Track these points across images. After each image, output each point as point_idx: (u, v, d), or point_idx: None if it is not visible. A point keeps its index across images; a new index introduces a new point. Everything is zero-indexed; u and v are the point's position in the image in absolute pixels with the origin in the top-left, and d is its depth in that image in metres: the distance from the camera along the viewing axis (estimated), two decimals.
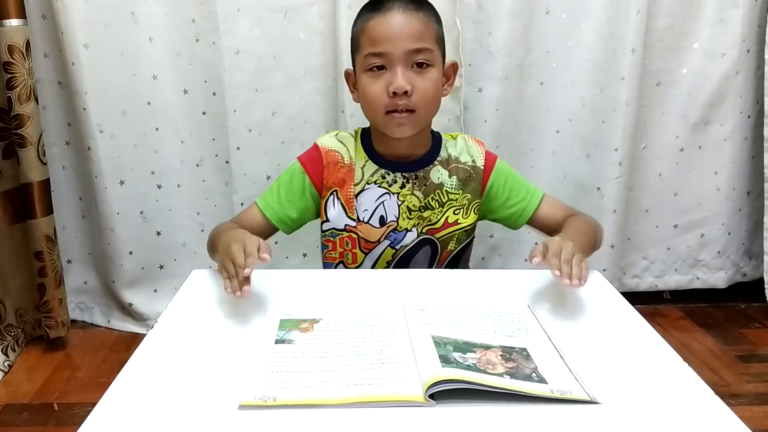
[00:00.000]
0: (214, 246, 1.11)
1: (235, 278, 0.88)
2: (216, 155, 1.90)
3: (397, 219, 1.16)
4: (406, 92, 1.05)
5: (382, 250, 1.18)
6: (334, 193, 1.17)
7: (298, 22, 1.79)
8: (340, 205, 1.17)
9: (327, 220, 1.18)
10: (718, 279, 2.15)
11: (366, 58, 1.08)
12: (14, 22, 1.62)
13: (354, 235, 1.17)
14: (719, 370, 1.77)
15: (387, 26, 1.06)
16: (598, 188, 1.93)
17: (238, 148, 1.87)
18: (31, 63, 1.68)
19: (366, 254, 1.19)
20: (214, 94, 1.83)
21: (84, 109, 1.77)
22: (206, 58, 1.80)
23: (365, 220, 1.16)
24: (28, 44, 1.66)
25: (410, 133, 1.11)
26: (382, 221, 1.16)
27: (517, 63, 1.84)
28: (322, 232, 1.21)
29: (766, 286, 2.05)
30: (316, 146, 1.20)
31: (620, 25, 1.80)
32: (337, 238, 1.19)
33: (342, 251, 1.19)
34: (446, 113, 1.81)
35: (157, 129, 1.85)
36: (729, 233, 2.10)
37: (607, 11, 1.80)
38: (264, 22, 1.78)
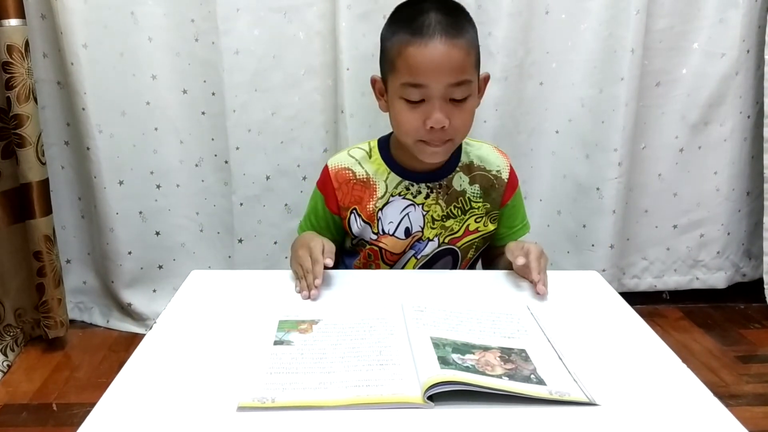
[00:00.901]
0: None
1: (303, 280, 0.97)
2: (215, 155, 1.90)
3: (422, 229, 1.15)
4: (443, 127, 1.02)
5: (406, 261, 1.18)
6: (354, 210, 1.16)
7: (298, 22, 1.78)
8: (362, 221, 1.16)
9: (354, 237, 1.18)
10: (718, 279, 2.15)
11: (403, 87, 1.02)
12: (13, 22, 1.62)
13: (376, 248, 1.17)
14: (718, 371, 1.77)
15: (429, 58, 0.99)
16: (598, 188, 1.93)
17: (238, 148, 1.86)
18: (30, 63, 1.67)
19: (390, 266, 1.19)
20: (213, 94, 1.83)
21: (83, 109, 1.77)
22: (205, 58, 1.80)
23: (390, 233, 1.15)
24: (27, 44, 1.65)
25: (443, 159, 1.11)
26: (408, 233, 1.15)
27: (516, 63, 1.84)
28: (352, 245, 1.21)
29: (765, 286, 2.05)
30: (326, 168, 1.17)
31: (620, 26, 1.80)
32: (361, 252, 1.20)
33: (365, 262, 1.19)
34: None
35: (156, 129, 1.85)
36: (728, 234, 2.10)
37: (607, 11, 1.80)
38: (263, 22, 1.77)
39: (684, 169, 2.01)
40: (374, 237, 1.16)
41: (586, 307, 0.93)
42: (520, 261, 0.99)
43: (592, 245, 1.99)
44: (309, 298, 0.94)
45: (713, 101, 1.94)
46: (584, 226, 1.99)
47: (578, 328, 0.85)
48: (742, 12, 1.85)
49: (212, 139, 1.89)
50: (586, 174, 1.95)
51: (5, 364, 1.76)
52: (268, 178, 1.91)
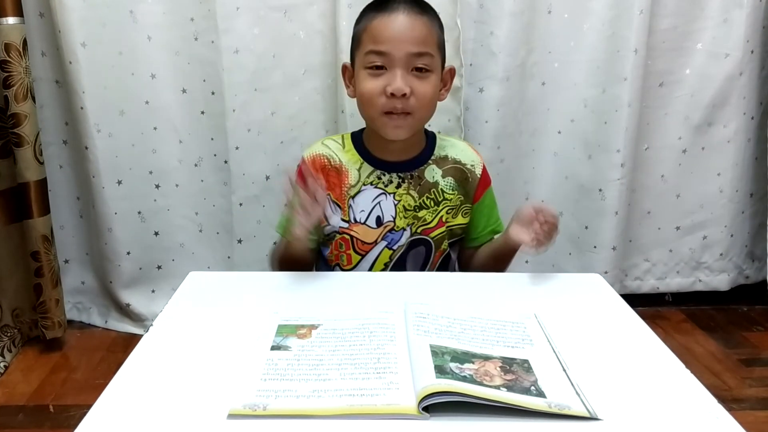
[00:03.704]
0: (276, 259, 1.18)
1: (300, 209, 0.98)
2: (215, 155, 1.89)
3: (394, 219, 1.16)
4: (404, 95, 1.05)
5: (379, 252, 1.18)
6: (328, 196, 1.16)
7: (298, 21, 1.77)
8: (338, 208, 1.17)
9: (327, 224, 1.18)
10: (721, 281, 2.13)
11: (367, 55, 1.07)
12: (11, 20, 1.61)
13: (347, 237, 1.17)
14: (721, 374, 1.76)
15: (391, 26, 1.05)
16: (600, 190, 1.91)
17: (237, 148, 1.85)
18: (28, 61, 1.66)
19: (362, 256, 1.18)
20: (213, 93, 1.82)
21: (81, 108, 1.75)
22: (205, 57, 1.79)
23: (362, 221, 1.16)
24: (25, 43, 1.64)
25: (405, 136, 1.11)
26: (379, 221, 1.16)
27: (518, 63, 1.83)
28: (324, 235, 1.21)
29: None
30: (302, 160, 1.19)
31: (623, 26, 1.78)
32: (333, 240, 1.19)
33: (337, 253, 1.19)
34: (446, 113, 1.80)
35: (155, 128, 1.84)
36: (732, 235, 2.09)
37: (610, 11, 1.78)
38: (263, 21, 1.76)
39: (687, 170, 1.99)
40: (345, 225, 1.16)
41: (588, 310, 0.92)
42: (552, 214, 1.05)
43: (594, 247, 1.97)
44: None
45: (717, 102, 1.92)
46: (586, 227, 1.97)
47: (580, 334, 0.84)
48: (747, 12, 1.84)
49: (212, 139, 1.87)
50: (588, 175, 1.93)
51: (2, 365, 1.75)
52: (267, 178, 1.89)
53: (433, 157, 1.18)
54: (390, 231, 1.16)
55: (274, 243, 1.24)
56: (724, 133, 1.96)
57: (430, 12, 1.10)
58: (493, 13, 1.78)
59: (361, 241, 1.17)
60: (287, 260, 1.15)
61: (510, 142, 1.90)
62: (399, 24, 1.05)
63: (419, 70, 1.06)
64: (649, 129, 1.93)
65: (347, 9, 1.70)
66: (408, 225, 1.17)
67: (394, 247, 1.17)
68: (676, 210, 2.04)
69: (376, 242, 1.17)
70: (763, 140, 1.97)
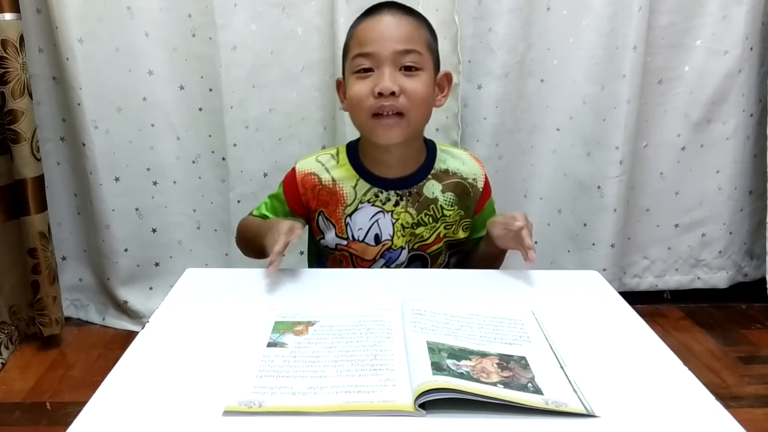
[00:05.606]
0: (244, 238, 1.18)
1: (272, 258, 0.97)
2: (212, 152, 1.88)
3: (392, 237, 1.14)
4: (393, 93, 1.01)
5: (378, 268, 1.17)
6: (321, 213, 1.15)
7: (296, 18, 1.77)
8: (331, 225, 1.15)
9: (323, 237, 1.17)
10: (720, 279, 2.13)
11: (354, 59, 1.05)
12: (8, 17, 1.60)
13: (347, 254, 1.16)
14: (720, 372, 1.75)
15: (376, 27, 1.04)
16: (599, 187, 1.91)
17: (235, 145, 1.85)
18: (25, 58, 1.66)
19: None
20: (210, 90, 1.81)
21: (79, 104, 1.75)
22: (203, 53, 1.78)
23: (360, 239, 1.14)
24: (22, 39, 1.64)
25: (398, 140, 1.06)
26: (377, 240, 1.14)
27: (517, 60, 1.82)
28: (317, 248, 1.21)
29: (767, 286, 2.03)
30: (293, 171, 1.17)
31: (622, 22, 1.78)
32: (330, 256, 1.18)
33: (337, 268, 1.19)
34: (444, 110, 1.79)
35: (152, 125, 1.84)
36: (730, 233, 2.08)
37: (609, 8, 1.78)
38: (261, 17, 1.76)
39: (686, 167, 1.99)
40: (344, 243, 1.15)
41: (586, 307, 0.92)
42: (518, 225, 1.01)
43: (593, 244, 1.97)
44: (271, 272, 0.97)
45: (716, 99, 1.92)
46: (585, 224, 1.97)
47: (578, 331, 0.83)
48: (746, 9, 1.83)
49: (209, 136, 1.87)
50: (587, 172, 1.93)
51: None
52: (265, 175, 1.89)
53: (432, 172, 1.14)
54: (388, 249, 1.15)
55: (251, 214, 1.21)
56: (723, 130, 1.96)
57: (416, 14, 1.08)
58: (491, 9, 1.77)
59: (361, 258, 1.16)
60: (256, 245, 1.12)
61: (508, 139, 1.90)
62: (384, 24, 1.04)
63: (408, 69, 1.03)
64: (648, 126, 1.93)
65: (345, 5, 1.69)
66: (406, 243, 1.15)
67: (392, 266, 1.16)
68: (674, 207, 2.03)
69: (375, 259, 1.16)
70: (763, 137, 1.96)
